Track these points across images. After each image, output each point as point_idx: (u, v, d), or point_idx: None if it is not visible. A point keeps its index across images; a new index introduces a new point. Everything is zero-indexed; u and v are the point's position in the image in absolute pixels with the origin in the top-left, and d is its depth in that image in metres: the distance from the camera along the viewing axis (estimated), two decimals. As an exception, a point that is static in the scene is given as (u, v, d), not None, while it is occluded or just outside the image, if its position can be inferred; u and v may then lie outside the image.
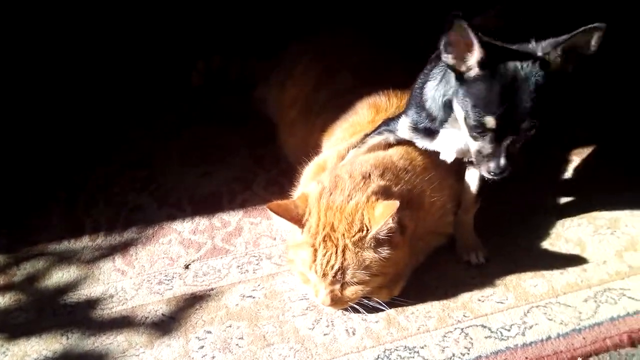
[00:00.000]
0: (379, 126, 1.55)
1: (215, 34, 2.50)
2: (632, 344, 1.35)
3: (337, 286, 1.39)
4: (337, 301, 1.40)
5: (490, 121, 1.23)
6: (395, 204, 1.33)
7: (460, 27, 1.17)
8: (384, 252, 1.36)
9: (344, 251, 1.36)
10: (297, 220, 1.41)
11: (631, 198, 1.71)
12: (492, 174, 1.29)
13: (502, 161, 1.27)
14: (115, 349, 1.42)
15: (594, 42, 1.18)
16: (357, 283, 1.38)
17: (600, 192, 1.75)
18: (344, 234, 1.36)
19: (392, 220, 1.33)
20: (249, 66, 2.33)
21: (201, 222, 1.78)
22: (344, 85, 1.79)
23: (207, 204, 1.84)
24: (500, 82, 1.21)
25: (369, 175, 1.43)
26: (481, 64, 1.21)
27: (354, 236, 1.35)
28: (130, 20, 2.51)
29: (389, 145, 1.54)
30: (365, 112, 1.66)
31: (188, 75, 2.39)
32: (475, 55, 1.21)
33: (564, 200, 1.76)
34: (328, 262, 1.37)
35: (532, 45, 1.23)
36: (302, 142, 1.79)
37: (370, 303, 1.43)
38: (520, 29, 1.40)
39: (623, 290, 1.46)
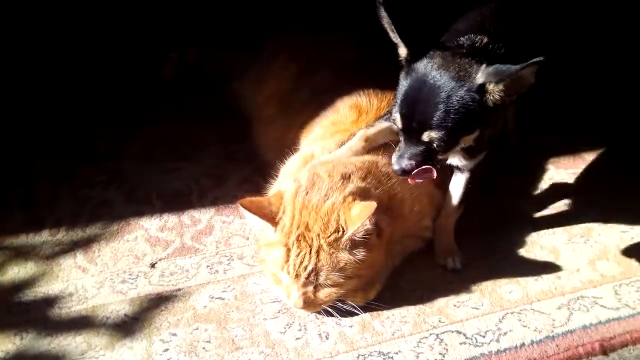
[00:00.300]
0: (387, 112, 1.51)
1: (191, 25, 2.43)
2: (604, 352, 1.35)
3: (310, 288, 1.35)
4: (309, 303, 1.36)
5: (397, 118, 1.24)
6: (372, 205, 1.29)
7: (381, 18, 1.18)
8: (360, 254, 1.33)
9: (318, 252, 1.32)
10: (270, 218, 1.36)
11: (604, 208, 1.72)
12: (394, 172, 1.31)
13: (396, 166, 1.29)
14: (73, 350, 1.34)
15: (532, 77, 1.17)
16: (331, 285, 1.34)
17: (575, 201, 1.77)
18: (319, 234, 1.32)
19: (369, 221, 1.30)
20: (225, 60, 2.28)
21: (170, 219, 1.71)
22: (324, 84, 1.76)
23: (177, 201, 1.77)
24: (410, 83, 1.21)
25: (349, 176, 1.39)
26: (406, 59, 1.21)
27: (329, 237, 1.32)
28: (101, 10, 2.42)
29: (395, 134, 1.50)
30: (347, 112, 1.63)
31: (160, 67, 2.32)
32: (400, 49, 1.21)
33: (539, 208, 1.76)
34: (301, 262, 1.32)
35: (477, 68, 1.20)
36: (279, 139, 1.75)
37: (345, 307, 1.39)
38: (519, 32, 1.40)
39: (595, 299, 1.46)
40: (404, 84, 1.24)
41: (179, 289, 1.49)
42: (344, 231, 1.32)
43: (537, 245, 1.62)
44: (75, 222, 1.68)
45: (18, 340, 1.36)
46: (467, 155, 1.41)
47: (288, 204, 1.36)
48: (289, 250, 1.33)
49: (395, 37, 1.23)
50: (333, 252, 1.32)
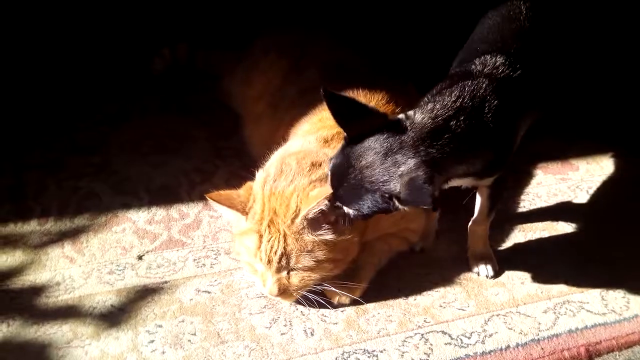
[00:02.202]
0: None
1: (181, 22, 2.44)
2: (590, 357, 1.35)
3: (284, 274, 1.36)
4: (284, 290, 1.37)
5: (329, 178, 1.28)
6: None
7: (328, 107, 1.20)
8: (326, 235, 1.33)
9: (285, 236, 1.33)
10: (240, 208, 1.37)
11: (591, 211, 1.74)
12: None
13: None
14: (60, 339, 1.33)
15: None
16: (303, 270, 1.35)
17: (562, 204, 1.79)
18: (283, 220, 1.33)
19: (326, 202, 1.29)
20: (214, 57, 2.28)
21: (158, 212, 1.71)
22: (313, 81, 1.75)
23: (165, 194, 1.77)
24: (340, 162, 1.23)
25: (321, 164, 1.39)
26: (345, 138, 1.24)
27: (288, 219, 1.33)
28: (92, 5, 2.42)
29: None
30: None
31: (149, 62, 2.32)
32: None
33: (527, 211, 1.77)
34: (272, 247, 1.33)
35: (398, 173, 1.18)
36: (268, 136, 1.75)
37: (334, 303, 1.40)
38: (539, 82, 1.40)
39: (582, 304, 1.47)
40: (336, 157, 1.25)
41: (166, 282, 1.49)
42: (299, 212, 1.32)
43: (524, 248, 1.63)
44: (63, 213, 1.68)
45: (5, 328, 1.35)
46: (478, 178, 1.37)
47: (257, 192, 1.37)
48: (260, 236, 1.35)
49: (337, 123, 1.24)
50: (296, 235, 1.33)
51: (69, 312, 1.39)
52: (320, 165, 1.39)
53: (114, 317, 1.39)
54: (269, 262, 1.35)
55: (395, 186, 1.17)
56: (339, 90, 1.63)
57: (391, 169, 1.18)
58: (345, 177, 1.22)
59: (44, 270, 1.50)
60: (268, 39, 2.07)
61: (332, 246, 1.35)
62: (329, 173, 1.27)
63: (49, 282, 1.47)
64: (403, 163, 1.18)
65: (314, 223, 1.32)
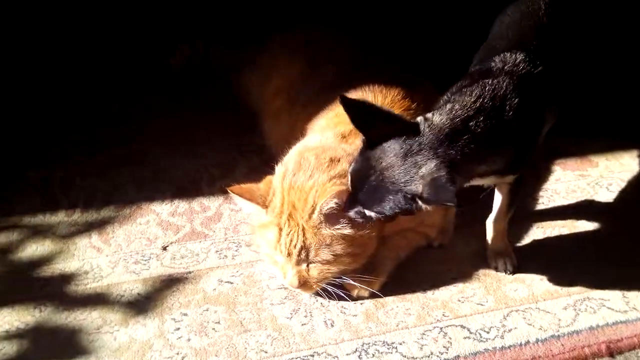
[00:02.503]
0: None
1: (198, 19, 2.47)
2: (611, 354, 1.35)
3: (304, 266, 1.39)
4: (304, 282, 1.39)
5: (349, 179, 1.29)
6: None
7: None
8: (344, 230, 1.35)
9: (304, 230, 1.35)
10: (260, 202, 1.40)
11: (611, 208, 1.73)
12: None
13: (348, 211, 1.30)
14: (89, 325, 1.38)
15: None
16: (322, 263, 1.37)
17: (581, 200, 1.78)
18: (301, 214, 1.35)
19: (336, 201, 1.31)
20: (231, 53, 2.31)
21: (180, 205, 1.75)
22: (329, 78, 1.78)
23: (187, 188, 1.82)
24: (360, 166, 1.25)
25: (339, 160, 1.41)
26: (363, 141, 1.26)
27: (306, 214, 1.35)
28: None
29: None
30: None
31: (169, 58, 2.36)
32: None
33: (545, 207, 1.77)
34: (291, 241, 1.36)
35: (419, 173, 1.19)
36: (286, 132, 1.77)
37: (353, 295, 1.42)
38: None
39: (603, 301, 1.46)
40: (355, 162, 1.27)
41: (190, 272, 1.53)
42: (315, 206, 1.34)
43: (543, 245, 1.63)
44: (90, 205, 1.73)
45: (37, 313, 1.40)
46: (500, 176, 1.37)
47: (277, 186, 1.40)
48: (280, 229, 1.37)
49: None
50: (314, 229, 1.35)
51: (98, 300, 1.44)
52: (339, 160, 1.41)
53: (141, 305, 1.43)
54: (289, 254, 1.37)
55: (417, 186, 1.18)
56: (355, 85, 1.67)
57: (412, 170, 1.19)
58: (365, 180, 1.23)
59: (72, 259, 1.55)
60: (285, 35, 2.09)
61: (350, 241, 1.37)
62: (349, 177, 1.29)
63: (77, 271, 1.52)
64: (424, 165, 1.19)
65: (331, 218, 1.35)
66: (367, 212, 1.26)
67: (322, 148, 1.46)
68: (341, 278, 1.41)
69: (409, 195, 1.20)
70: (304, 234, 1.35)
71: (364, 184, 1.24)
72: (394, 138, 1.22)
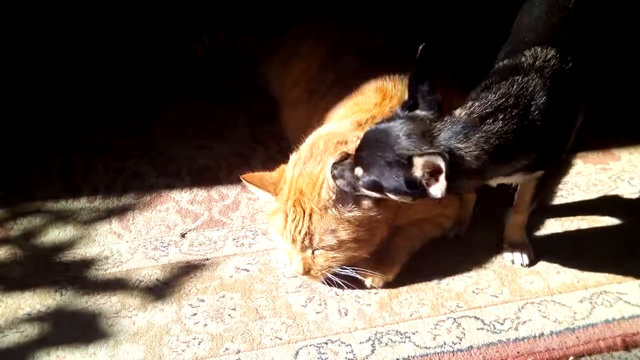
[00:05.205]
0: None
1: (220, 8, 2.47)
2: (626, 347, 1.35)
3: (309, 253, 1.40)
4: (310, 270, 1.40)
5: None
6: None
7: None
8: (349, 212, 1.35)
9: (310, 215, 1.36)
10: (272, 189, 1.42)
11: (632, 202, 1.71)
12: None
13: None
14: (109, 309, 1.42)
15: None
16: (327, 249, 1.38)
17: (602, 194, 1.76)
18: (310, 197, 1.36)
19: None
20: (253, 43, 2.31)
21: (199, 193, 1.78)
22: (350, 68, 1.78)
23: (206, 176, 1.84)
24: (372, 127, 1.25)
25: (346, 142, 1.40)
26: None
27: (315, 195, 1.35)
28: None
29: None
30: (371, 94, 1.63)
31: (191, 47, 2.37)
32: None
33: (564, 201, 1.75)
34: (296, 227, 1.37)
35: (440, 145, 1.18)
36: (304, 121, 1.77)
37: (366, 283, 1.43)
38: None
39: (619, 294, 1.45)
40: (377, 123, 1.27)
41: (207, 259, 1.56)
42: (322, 183, 1.34)
43: (561, 238, 1.62)
44: (110, 192, 1.76)
45: (58, 297, 1.44)
46: (528, 171, 1.31)
47: (288, 174, 1.42)
48: (286, 216, 1.39)
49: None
50: (322, 211, 1.35)
51: (117, 285, 1.47)
52: (346, 143, 1.40)
53: (159, 290, 1.47)
54: (294, 240, 1.39)
55: (416, 171, 1.16)
56: (375, 76, 1.66)
57: (423, 146, 1.17)
58: (374, 143, 1.21)
59: (93, 244, 1.59)
60: (306, 24, 2.09)
61: (356, 225, 1.37)
62: (362, 136, 1.27)
63: (98, 256, 1.55)
64: (427, 153, 1.16)
65: (339, 198, 1.34)
66: (361, 173, 1.23)
67: (332, 134, 1.46)
68: (352, 268, 1.41)
69: (404, 161, 1.17)
70: (310, 219, 1.36)
71: (371, 146, 1.22)
72: (419, 118, 1.22)
